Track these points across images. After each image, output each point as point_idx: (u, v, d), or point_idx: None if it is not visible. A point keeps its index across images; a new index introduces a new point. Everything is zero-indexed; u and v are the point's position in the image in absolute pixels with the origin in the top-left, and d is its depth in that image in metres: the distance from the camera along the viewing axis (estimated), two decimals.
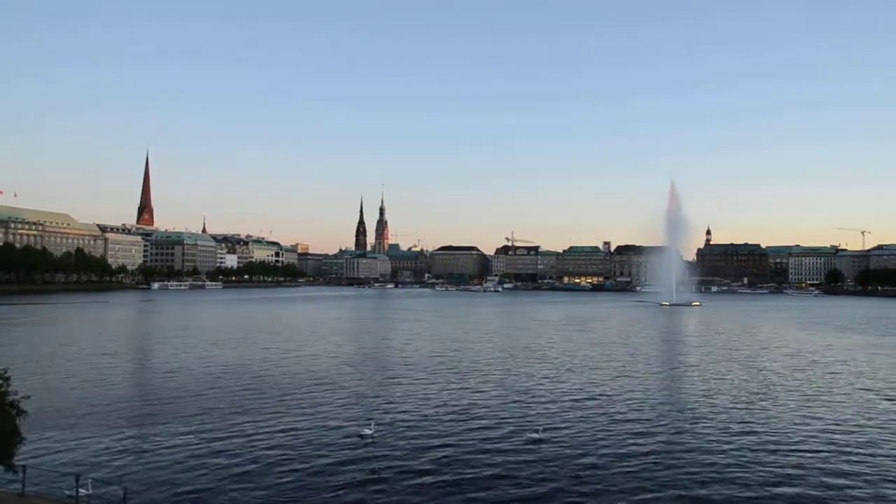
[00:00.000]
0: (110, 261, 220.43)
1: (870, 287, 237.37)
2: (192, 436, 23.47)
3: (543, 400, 31.06)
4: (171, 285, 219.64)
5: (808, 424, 26.32)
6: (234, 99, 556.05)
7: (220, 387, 33.57)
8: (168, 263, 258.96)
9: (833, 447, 22.89)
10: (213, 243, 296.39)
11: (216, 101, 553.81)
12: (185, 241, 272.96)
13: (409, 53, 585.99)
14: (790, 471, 20.12)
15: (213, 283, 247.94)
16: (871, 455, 21.99)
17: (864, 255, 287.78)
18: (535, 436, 23.44)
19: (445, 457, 21.39)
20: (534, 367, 42.40)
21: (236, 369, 39.51)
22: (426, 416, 27.40)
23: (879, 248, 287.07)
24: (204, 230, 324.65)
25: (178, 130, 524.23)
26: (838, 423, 26.71)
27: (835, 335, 68.68)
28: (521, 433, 24.28)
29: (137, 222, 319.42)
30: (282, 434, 23.99)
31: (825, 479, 19.42)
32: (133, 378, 37.59)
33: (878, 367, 44.40)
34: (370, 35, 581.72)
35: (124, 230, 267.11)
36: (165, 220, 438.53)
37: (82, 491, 15.99)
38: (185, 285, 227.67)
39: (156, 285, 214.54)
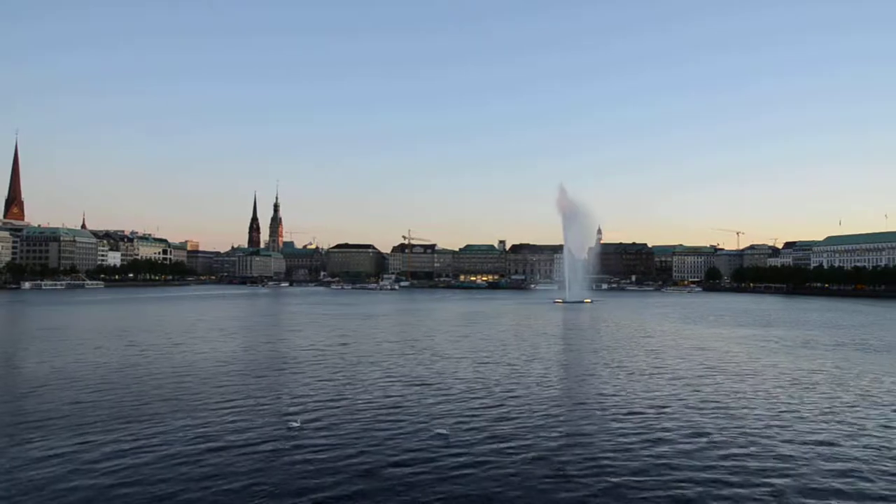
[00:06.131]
0: None
1: (743, 284, 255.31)
2: (73, 448, 21.35)
3: (446, 396, 30.76)
4: (45, 285, 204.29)
5: (683, 402, 27.88)
6: (117, 90, 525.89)
7: (104, 392, 30.91)
8: (42, 261, 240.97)
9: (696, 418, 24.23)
10: (94, 240, 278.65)
11: (96, 92, 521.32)
12: (61, 237, 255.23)
13: (302, 53, 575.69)
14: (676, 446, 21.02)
15: (94, 283, 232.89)
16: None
17: (739, 255, 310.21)
18: (442, 431, 23.39)
19: (359, 454, 20.65)
20: (432, 362, 42.06)
21: (120, 374, 36.56)
22: (334, 413, 26.42)
23: (751, 247, 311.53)
24: (84, 226, 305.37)
25: (55, 120, 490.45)
26: (707, 400, 28.44)
27: (703, 327, 73.67)
28: (428, 429, 23.97)
29: (5, 216, 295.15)
30: (182, 436, 22.34)
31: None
32: None
33: (735, 353, 48.74)
34: (266, 35, 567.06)
35: None
36: (39, 215, 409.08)
37: None
38: (62, 285, 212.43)
39: (27, 285, 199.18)
